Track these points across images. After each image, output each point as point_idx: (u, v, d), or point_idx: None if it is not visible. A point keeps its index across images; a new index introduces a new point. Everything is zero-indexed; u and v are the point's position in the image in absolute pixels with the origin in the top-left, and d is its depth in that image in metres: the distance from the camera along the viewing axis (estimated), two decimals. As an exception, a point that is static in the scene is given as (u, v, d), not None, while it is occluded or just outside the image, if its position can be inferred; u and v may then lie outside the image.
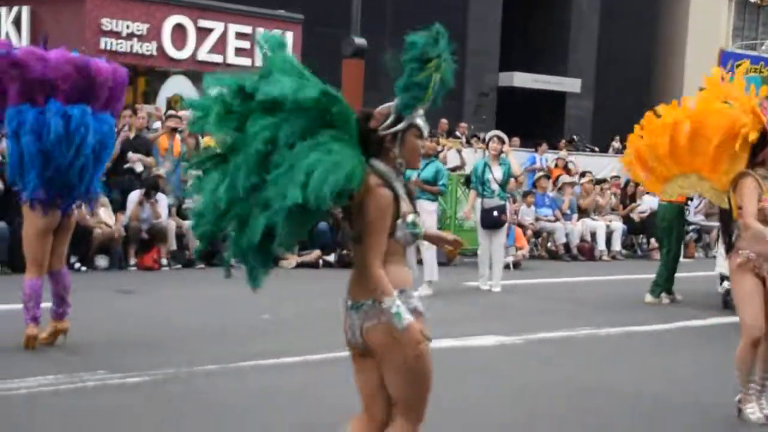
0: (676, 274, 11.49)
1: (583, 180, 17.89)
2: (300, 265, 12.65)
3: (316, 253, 12.83)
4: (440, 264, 11.45)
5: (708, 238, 18.71)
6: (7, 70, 6.68)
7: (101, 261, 11.93)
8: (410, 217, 3.54)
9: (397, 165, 3.59)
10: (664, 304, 11.17)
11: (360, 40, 17.98)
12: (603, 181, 18.52)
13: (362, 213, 3.49)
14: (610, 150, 23.95)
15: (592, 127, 30.79)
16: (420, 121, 3.60)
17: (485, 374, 6.96)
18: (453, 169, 16.19)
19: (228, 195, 3.38)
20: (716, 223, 16.80)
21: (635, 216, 17.84)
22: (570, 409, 6.13)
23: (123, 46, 19.90)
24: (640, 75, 33.29)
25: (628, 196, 18.53)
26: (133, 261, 12.19)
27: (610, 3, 31.82)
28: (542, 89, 30.86)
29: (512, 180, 13.10)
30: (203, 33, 21.01)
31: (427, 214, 10.45)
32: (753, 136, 6.38)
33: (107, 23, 19.70)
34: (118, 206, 12.37)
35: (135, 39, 20.09)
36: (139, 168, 12.83)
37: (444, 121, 20.42)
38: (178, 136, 13.41)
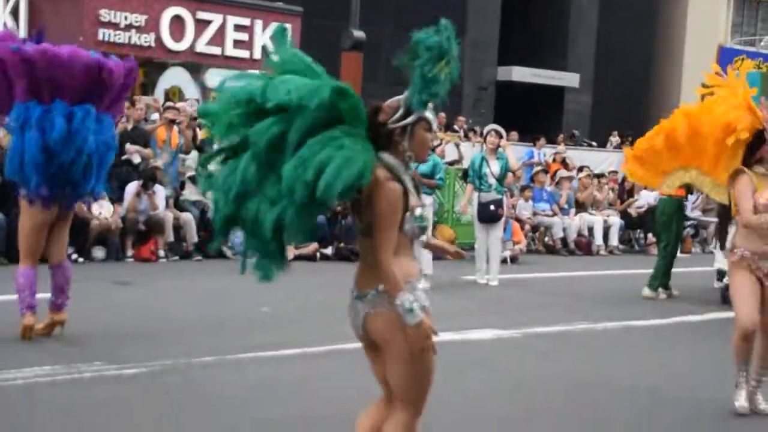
0: (673, 270, 11.49)
1: (581, 175, 17.89)
2: (297, 258, 12.63)
3: (314, 245, 12.82)
4: (436, 258, 11.45)
5: (705, 234, 18.72)
6: (17, 65, 6.65)
7: (98, 252, 11.93)
8: (418, 211, 3.56)
9: (406, 158, 3.59)
10: (661, 299, 11.18)
11: (359, 33, 17.98)
12: (601, 175, 18.53)
13: (372, 206, 3.49)
14: (609, 145, 23.95)
15: (590, 122, 30.79)
16: (429, 115, 3.61)
17: (483, 368, 6.96)
18: (451, 163, 16.19)
19: (238, 189, 3.40)
20: (713, 219, 16.83)
21: (633, 211, 17.85)
22: (567, 404, 6.13)
23: (121, 37, 19.88)
24: (639, 70, 33.29)
25: (625, 191, 18.54)
26: (130, 252, 12.19)
27: (609, -3, 31.83)
28: (541, 84, 30.87)
29: (510, 174, 13.10)
30: (202, 25, 20.99)
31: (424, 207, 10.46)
32: (743, 135, 6.42)
33: (105, 14, 19.68)
34: (116, 198, 12.36)
35: (133, 30, 20.07)
36: (136, 159, 12.82)
37: (442, 114, 20.40)
38: (175, 128, 13.40)
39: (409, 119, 3.57)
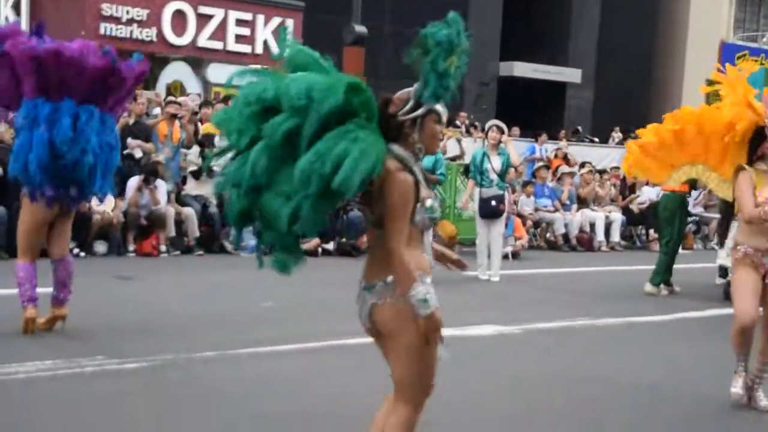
0: (675, 266, 11.49)
1: (583, 170, 17.88)
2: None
3: (315, 241, 12.82)
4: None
5: (707, 230, 18.72)
6: (26, 63, 6.64)
7: (100, 247, 11.93)
8: (429, 202, 3.58)
9: (416, 150, 3.60)
10: (663, 295, 11.18)
11: (360, 28, 17.95)
12: (603, 171, 18.52)
13: (384, 198, 3.49)
14: (610, 141, 23.93)
15: (592, 118, 30.75)
16: (439, 107, 3.62)
17: (483, 364, 6.96)
18: (452, 159, 16.18)
19: (248, 183, 3.41)
20: (715, 215, 16.83)
21: (634, 207, 17.85)
22: (568, 400, 6.13)
23: (123, 31, 19.86)
24: (641, 65, 33.25)
25: (627, 187, 18.54)
26: (131, 247, 12.19)
27: (611, -7, 31.77)
28: (542, 79, 30.83)
29: (512, 170, 13.09)
30: (203, 19, 20.97)
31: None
32: (739, 131, 6.45)
33: (107, 8, 19.67)
34: (117, 192, 12.36)
35: (135, 25, 20.06)
36: (138, 154, 12.81)
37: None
38: (177, 123, 13.39)
39: (419, 111, 3.58)
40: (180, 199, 13.00)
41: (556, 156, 19.13)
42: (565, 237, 16.52)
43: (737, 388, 6.09)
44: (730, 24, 34.97)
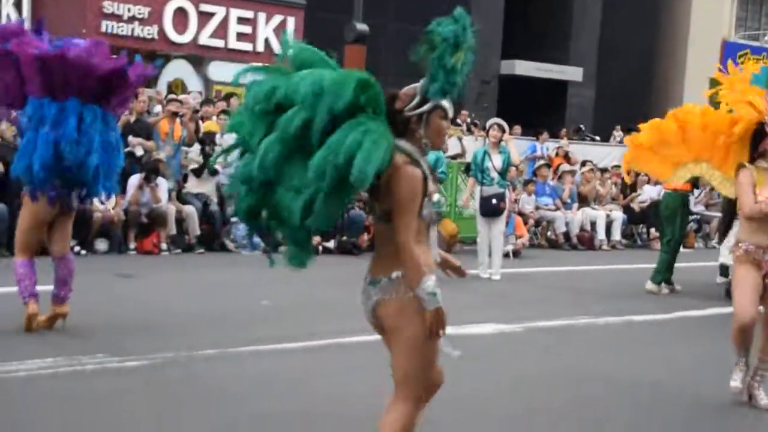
0: (676, 264, 11.48)
1: (584, 169, 17.88)
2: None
3: (316, 239, 12.80)
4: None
5: (708, 229, 18.72)
6: (31, 63, 6.63)
7: (101, 245, 11.93)
8: (435, 196, 3.60)
9: (423, 145, 3.62)
10: (664, 294, 11.17)
11: (362, 26, 17.94)
12: (604, 170, 18.51)
13: (392, 192, 3.50)
14: (612, 139, 23.92)
15: (593, 116, 30.74)
16: (445, 103, 3.63)
17: (484, 362, 6.95)
18: (453, 157, 16.18)
19: (258, 177, 3.42)
20: (716, 214, 16.84)
21: (635, 206, 17.84)
22: (569, 399, 6.13)
23: (124, 29, 19.87)
24: (642, 64, 33.23)
25: (628, 186, 18.51)
26: (132, 245, 12.19)
27: (612, -9, 31.75)
28: (544, 77, 30.81)
29: (513, 168, 13.08)
30: (205, 17, 20.97)
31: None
32: (737, 132, 6.49)
33: (108, 6, 19.67)
34: (118, 190, 12.35)
35: (136, 22, 20.06)
36: (139, 152, 12.81)
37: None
38: (178, 120, 13.39)
39: (425, 107, 3.59)
40: (181, 197, 13.00)
41: (557, 154, 19.12)
42: (566, 235, 16.52)
43: (737, 381, 6.13)
44: (732, 22, 34.95)
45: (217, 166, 13.15)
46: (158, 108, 14.60)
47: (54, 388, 5.70)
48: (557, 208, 16.54)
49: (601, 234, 16.84)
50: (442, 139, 3.72)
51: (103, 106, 6.94)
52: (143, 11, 20.11)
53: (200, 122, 14.29)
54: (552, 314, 9.16)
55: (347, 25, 18.13)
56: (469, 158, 14.33)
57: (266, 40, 21.54)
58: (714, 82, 7.66)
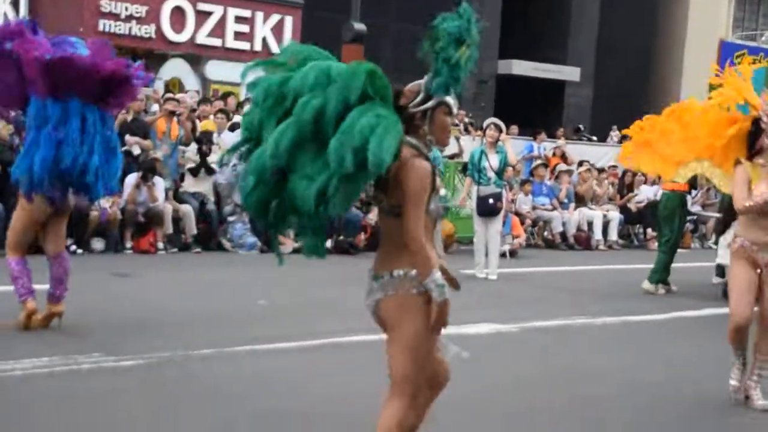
0: (672, 265, 11.49)
1: (581, 169, 17.89)
2: (296, 251, 12.61)
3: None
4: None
5: (704, 229, 18.74)
6: (32, 64, 6.61)
7: (97, 244, 11.92)
8: (442, 191, 3.62)
9: (427, 142, 3.63)
10: (660, 294, 11.18)
11: (360, 26, 17.94)
12: (601, 170, 18.52)
13: (402, 185, 3.51)
14: (609, 139, 23.93)
15: (591, 116, 30.75)
16: (450, 99, 3.64)
17: (482, 362, 6.92)
18: (451, 157, 16.16)
19: (270, 165, 3.42)
20: (713, 214, 16.86)
21: (632, 206, 17.86)
22: (568, 399, 6.12)
23: (121, 28, 19.84)
24: (640, 64, 33.25)
25: (625, 186, 18.53)
26: (129, 244, 12.18)
27: (610, -9, 31.77)
28: (541, 77, 30.82)
29: (510, 168, 13.08)
30: (202, 16, 20.95)
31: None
32: (732, 131, 6.56)
33: (106, 5, 19.64)
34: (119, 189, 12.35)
35: (134, 21, 20.03)
36: (136, 151, 12.80)
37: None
38: (175, 120, 13.38)
39: (430, 103, 3.61)
40: (178, 197, 13.00)
41: (554, 154, 19.12)
42: (563, 235, 16.53)
43: (735, 380, 6.17)
44: (729, 23, 34.97)
45: (214, 166, 13.16)
46: (155, 107, 14.58)
47: (50, 387, 5.69)
48: (554, 208, 16.54)
49: (597, 234, 16.85)
50: (446, 135, 3.73)
51: (101, 107, 6.94)
52: (141, 10, 20.08)
53: (197, 121, 14.28)
54: (549, 314, 9.16)
55: (345, 25, 18.13)
56: (466, 158, 14.32)
57: (264, 40, 21.52)
58: (712, 88, 7.69)
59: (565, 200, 16.81)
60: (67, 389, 5.67)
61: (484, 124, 12.24)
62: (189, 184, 13.26)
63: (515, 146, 16.23)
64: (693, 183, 11.46)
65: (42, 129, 6.71)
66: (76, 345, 6.65)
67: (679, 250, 12.07)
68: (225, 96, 16.52)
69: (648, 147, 9.66)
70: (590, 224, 16.90)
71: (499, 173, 11.60)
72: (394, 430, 3.62)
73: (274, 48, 21.07)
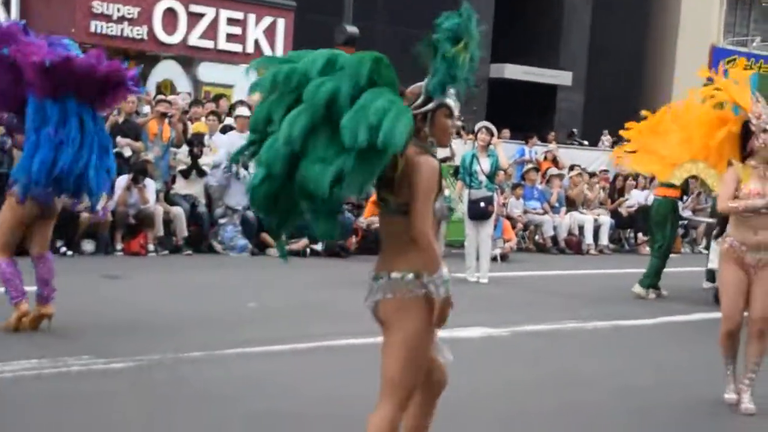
0: (663, 270, 11.50)
1: (572, 173, 17.91)
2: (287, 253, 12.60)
3: (304, 241, 12.80)
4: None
5: (695, 234, 18.77)
6: (29, 68, 6.60)
7: (88, 245, 11.88)
8: (447, 191, 3.64)
9: (428, 144, 3.64)
10: (650, 298, 11.19)
11: (352, 28, 17.95)
12: (592, 174, 18.55)
13: (410, 182, 3.53)
14: (600, 144, 23.98)
15: (582, 121, 30.80)
16: (450, 101, 3.66)
17: (472, 367, 6.93)
18: (443, 160, 15.99)
19: (284, 151, 3.40)
20: (703, 219, 16.91)
21: (623, 210, 17.88)
22: (558, 403, 6.12)
23: (113, 29, 19.77)
24: (632, 69, 33.34)
25: (616, 190, 18.56)
26: (119, 246, 12.13)
27: (602, -4, 31.84)
28: (533, 81, 30.86)
29: (501, 172, 13.10)
30: (194, 18, 20.89)
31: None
32: (722, 133, 6.62)
33: (98, 6, 19.57)
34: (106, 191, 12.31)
35: (125, 23, 19.97)
36: (127, 153, 12.76)
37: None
38: (167, 121, 13.35)
39: (430, 105, 3.63)
40: (169, 199, 12.96)
41: (545, 158, 19.14)
42: (554, 239, 16.54)
43: (730, 393, 6.19)
44: (721, 28, 35.08)
45: (205, 168, 13.14)
46: (147, 109, 14.55)
47: (39, 389, 5.66)
48: (545, 212, 16.56)
49: (588, 238, 16.86)
50: (447, 137, 3.74)
51: (94, 107, 6.94)
52: (133, 11, 20.02)
53: (189, 123, 14.25)
54: (540, 318, 9.17)
55: (337, 27, 18.14)
56: (457, 161, 14.33)
57: (256, 42, 21.49)
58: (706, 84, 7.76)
59: (556, 204, 16.82)
60: (57, 391, 5.64)
61: (476, 128, 12.26)
62: (180, 186, 13.22)
63: (507, 150, 16.24)
64: (685, 189, 11.49)
65: (41, 130, 6.69)
66: (65, 347, 6.62)
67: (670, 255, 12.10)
68: (217, 98, 16.50)
69: (645, 148, 9.74)
70: (581, 228, 16.91)
71: (491, 177, 11.60)
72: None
73: (267, 50, 21.04)
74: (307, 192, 3.43)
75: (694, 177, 9.79)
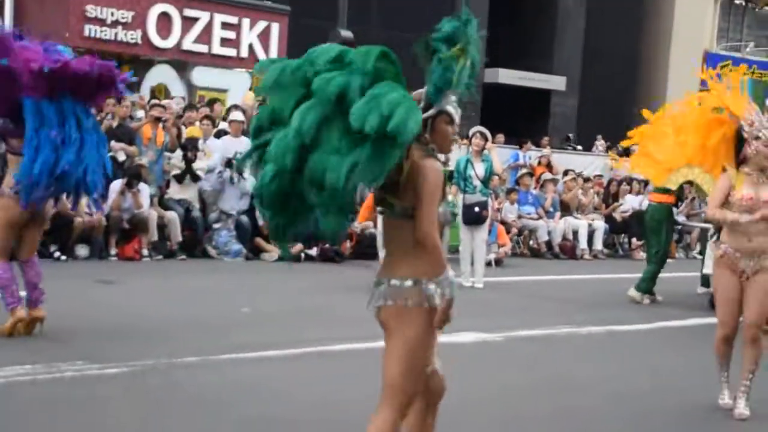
0: (659, 275, 11.51)
1: (566, 178, 17.92)
2: (281, 258, 12.60)
3: (298, 246, 12.78)
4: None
5: (689, 239, 18.79)
6: (27, 74, 6.59)
7: (82, 250, 11.85)
8: (450, 197, 3.64)
9: (429, 150, 3.64)
10: (645, 303, 11.19)
11: (347, 33, 17.93)
12: (587, 179, 18.56)
13: (416, 185, 3.54)
14: (594, 149, 24.01)
15: (576, 125, 30.85)
16: (450, 108, 3.66)
17: (466, 372, 6.92)
18: (438, 165, 16.16)
19: (295, 143, 3.37)
20: (697, 224, 16.93)
21: (617, 215, 17.90)
22: (553, 408, 6.11)
23: (107, 33, 19.75)
24: (625, 74, 33.39)
25: (610, 195, 18.58)
26: (113, 251, 12.11)
27: (596, 2, 31.88)
28: (527, 86, 30.90)
29: (495, 177, 13.09)
30: (189, 22, 20.88)
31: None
32: (715, 138, 6.65)
33: (92, 10, 19.54)
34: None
35: (120, 27, 19.94)
36: (121, 157, 12.75)
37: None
38: (161, 126, 13.33)
39: (430, 112, 3.63)
40: (163, 203, 12.94)
41: (539, 163, 19.16)
42: (548, 244, 16.55)
43: (726, 399, 6.21)
44: (714, 33, 35.17)
45: (199, 173, 13.12)
46: (141, 113, 14.53)
47: (33, 395, 5.64)
48: (539, 217, 16.57)
49: (583, 243, 16.87)
50: (448, 143, 3.74)
51: (87, 104, 6.97)
52: (127, 16, 20.00)
53: (183, 127, 14.23)
54: (534, 323, 9.17)
55: (332, 32, 18.12)
56: (452, 166, 14.33)
57: (250, 46, 21.47)
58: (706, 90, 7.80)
59: (551, 209, 16.84)
60: (50, 397, 5.62)
61: (470, 133, 12.25)
62: (174, 191, 13.20)
63: (501, 155, 16.25)
64: (679, 195, 11.51)
65: (41, 131, 6.68)
66: (59, 352, 6.60)
67: (663, 260, 12.12)
68: (211, 102, 16.47)
69: (641, 150, 9.81)
70: (575, 233, 16.93)
71: (485, 182, 11.60)
72: None
73: (261, 54, 21.04)
74: (319, 183, 3.36)
75: (689, 182, 9.80)
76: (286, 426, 5.35)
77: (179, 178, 13.13)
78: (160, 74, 20.86)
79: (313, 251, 13.18)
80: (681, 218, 17.40)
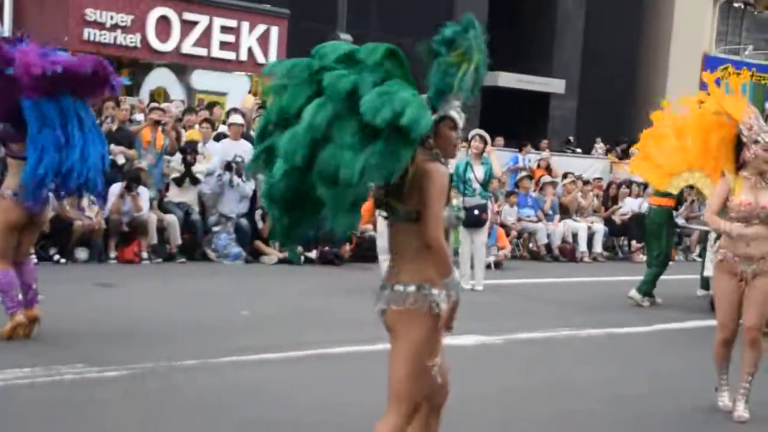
0: (659, 278, 11.51)
1: (565, 181, 17.93)
2: (281, 261, 12.61)
3: (298, 249, 12.77)
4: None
5: (688, 242, 18.79)
6: (29, 77, 6.60)
7: (81, 253, 11.85)
8: (455, 201, 3.65)
9: (433, 155, 3.64)
10: (645, 306, 11.19)
11: (346, 36, 17.93)
12: (586, 182, 18.56)
13: (421, 189, 3.54)
14: (594, 151, 24.01)
15: (575, 128, 30.85)
16: (454, 113, 3.67)
17: (465, 374, 6.91)
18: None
19: (307, 138, 3.35)
20: (697, 227, 16.93)
21: (617, 218, 17.90)
22: (552, 411, 6.11)
23: (107, 37, 19.75)
24: (624, 77, 33.40)
25: (610, 198, 18.58)
26: (113, 254, 12.11)
27: (595, 4, 31.91)
28: (527, 89, 30.91)
29: (495, 180, 13.10)
30: (188, 26, 20.88)
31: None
32: (714, 141, 6.68)
33: (91, 14, 19.55)
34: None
35: (119, 30, 19.95)
36: (120, 160, 12.75)
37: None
38: (160, 129, 13.33)
39: (433, 117, 3.61)
40: (162, 206, 12.94)
41: (539, 166, 19.16)
42: (548, 247, 16.55)
43: (725, 401, 6.22)
44: (713, 37, 35.19)
45: (199, 176, 13.12)
46: (140, 116, 14.53)
47: (32, 398, 5.64)
48: (539, 220, 16.57)
49: (582, 246, 16.87)
50: (452, 148, 3.74)
51: (85, 101, 7.00)
52: (126, 19, 20.01)
53: (182, 131, 14.24)
54: (534, 326, 9.16)
55: (331, 36, 18.10)
56: (451, 169, 14.33)
57: (249, 50, 21.48)
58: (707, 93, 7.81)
59: (550, 212, 16.84)
60: (50, 400, 5.62)
61: (469, 136, 12.26)
62: (174, 194, 13.20)
63: (500, 158, 16.26)
64: (680, 198, 11.52)
65: (43, 131, 6.68)
66: (58, 355, 6.60)
67: (663, 263, 12.13)
68: (210, 105, 16.48)
69: (642, 152, 9.83)
70: (575, 236, 16.93)
71: (485, 185, 11.60)
72: None
73: (260, 58, 21.05)
74: (332, 179, 3.33)
75: (690, 186, 9.82)
76: (286, 429, 5.35)
77: (179, 182, 13.13)
78: (160, 77, 20.88)
79: (313, 254, 13.18)
80: (680, 221, 17.40)
